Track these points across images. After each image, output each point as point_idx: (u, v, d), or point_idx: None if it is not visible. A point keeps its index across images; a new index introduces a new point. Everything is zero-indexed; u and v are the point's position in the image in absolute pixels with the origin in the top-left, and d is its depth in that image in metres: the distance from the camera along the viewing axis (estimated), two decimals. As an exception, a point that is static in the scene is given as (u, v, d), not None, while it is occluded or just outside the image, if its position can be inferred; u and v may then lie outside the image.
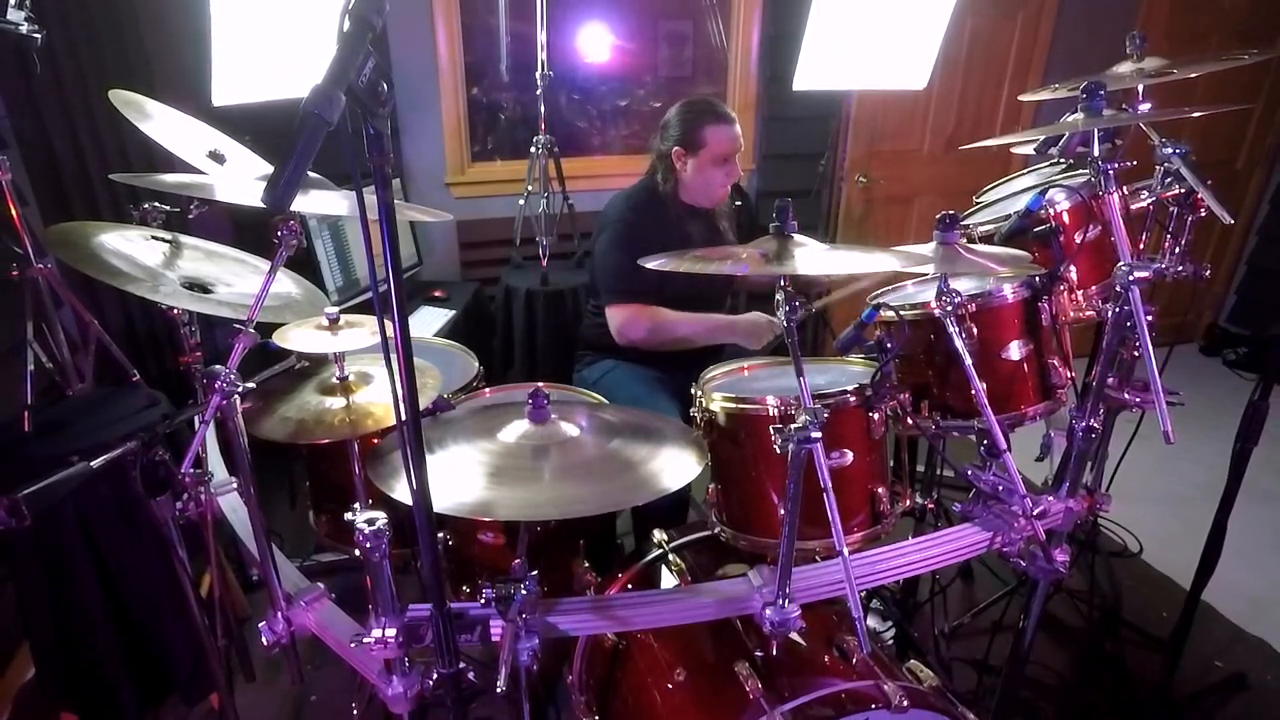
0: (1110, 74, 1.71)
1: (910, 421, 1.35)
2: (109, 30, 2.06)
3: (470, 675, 0.98)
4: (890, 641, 1.88)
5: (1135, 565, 2.40)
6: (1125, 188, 1.57)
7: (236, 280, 1.43)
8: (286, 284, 1.48)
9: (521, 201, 2.82)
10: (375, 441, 1.33)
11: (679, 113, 1.97)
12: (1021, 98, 2.09)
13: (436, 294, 2.82)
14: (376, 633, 0.93)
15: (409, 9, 2.79)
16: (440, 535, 1.41)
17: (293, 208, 0.83)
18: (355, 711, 1.69)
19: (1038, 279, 1.39)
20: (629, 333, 1.95)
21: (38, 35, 1.49)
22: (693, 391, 1.38)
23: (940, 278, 1.29)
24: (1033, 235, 1.49)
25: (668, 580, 1.46)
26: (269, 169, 0.63)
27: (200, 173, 1.39)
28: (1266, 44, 3.51)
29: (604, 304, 2.00)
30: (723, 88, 3.34)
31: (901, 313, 1.42)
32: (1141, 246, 1.62)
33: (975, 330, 1.35)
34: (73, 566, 1.51)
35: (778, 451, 0.98)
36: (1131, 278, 1.12)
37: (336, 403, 1.31)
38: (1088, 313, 1.55)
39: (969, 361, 1.22)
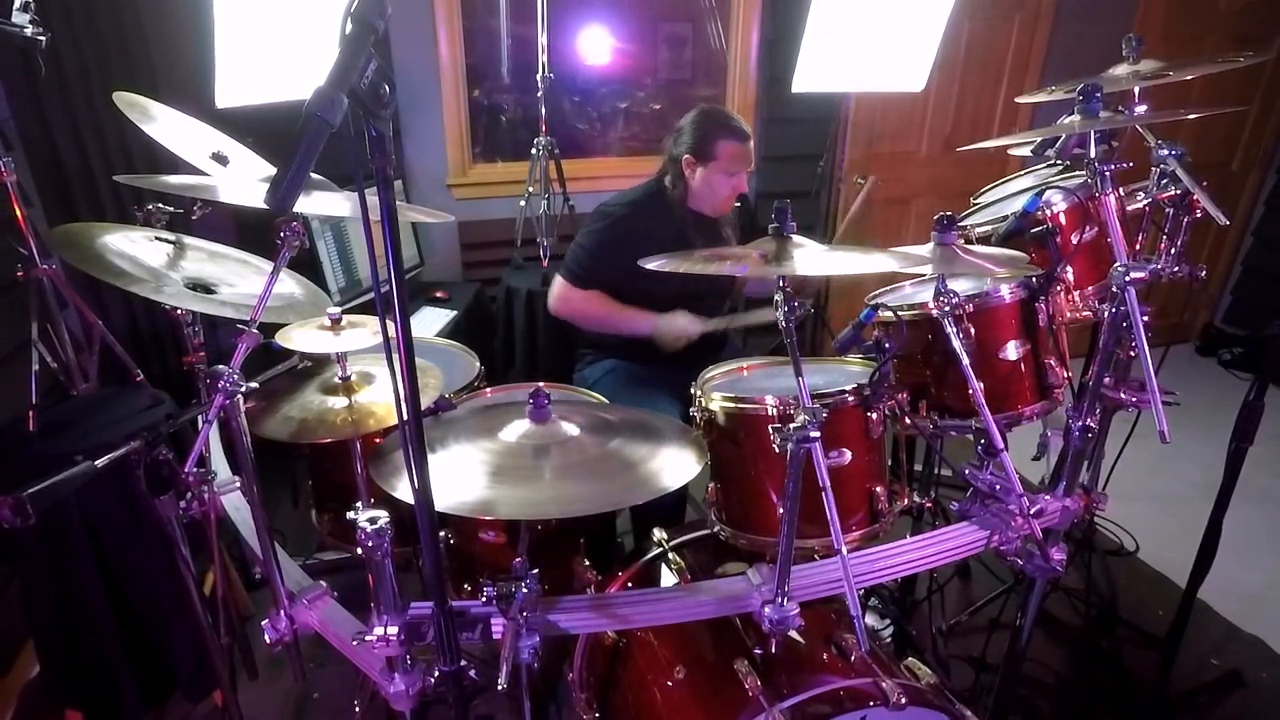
0: (1107, 76, 1.72)
1: (908, 421, 1.36)
2: (113, 32, 2.07)
3: (471, 673, 0.99)
4: (888, 639, 1.88)
5: (1132, 564, 2.41)
6: (1121, 189, 1.58)
7: (239, 281, 1.43)
8: (289, 284, 1.49)
9: (522, 203, 2.83)
10: (377, 441, 1.34)
11: (696, 120, 1.97)
12: (1018, 100, 2.10)
13: (438, 294, 2.83)
14: (379, 630, 0.94)
15: (411, 12, 2.80)
16: (442, 534, 1.42)
17: (295, 209, 0.84)
18: (357, 709, 1.70)
19: (1035, 279, 1.40)
20: (561, 306, 2.04)
21: (42, 38, 1.50)
22: (692, 391, 1.39)
23: (938, 278, 1.30)
24: (1030, 236, 1.49)
25: (667, 578, 1.47)
26: (272, 170, 0.64)
27: (203, 174, 1.40)
28: (1262, 46, 3.52)
29: (556, 273, 2.05)
30: (722, 89, 3.35)
31: (899, 313, 1.43)
32: (1138, 247, 1.63)
33: (973, 330, 1.36)
34: (77, 565, 1.52)
35: (777, 451, 0.99)
36: (1128, 278, 1.13)
37: (339, 402, 1.32)
38: (1084, 313, 1.56)
39: (966, 361, 1.23)
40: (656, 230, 1.96)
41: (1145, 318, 1.13)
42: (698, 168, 1.95)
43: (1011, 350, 1.40)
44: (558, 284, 2.03)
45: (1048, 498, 1.27)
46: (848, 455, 1.25)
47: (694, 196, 2.00)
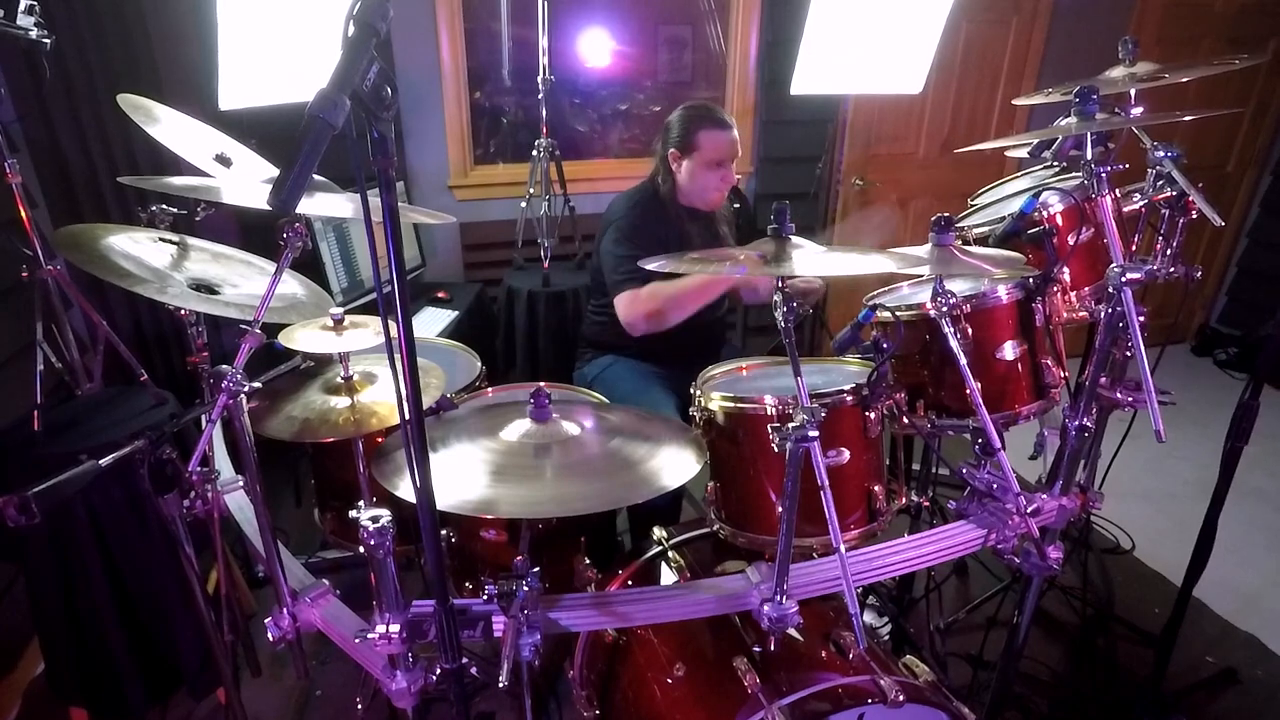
0: (1103, 78, 1.73)
1: (906, 420, 1.37)
2: (117, 35, 2.08)
3: (473, 670, 0.99)
4: (886, 637, 1.90)
5: (1127, 562, 2.42)
6: (1118, 190, 1.58)
7: (243, 281, 1.44)
8: (292, 285, 1.50)
9: (523, 204, 2.84)
10: (379, 440, 1.35)
11: (678, 115, 1.99)
12: (1015, 102, 2.11)
13: (440, 295, 2.84)
14: (381, 628, 0.94)
15: (413, 14, 2.81)
16: (443, 532, 1.43)
17: (298, 210, 0.85)
18: (360, 706, 1.71)
19: (1031, 280, 1.41)
20: (635, 316, 1.86)
21: (47, 40, 1.51)
22: (692, 391, 1.40)
23: (935, 279, 1.31)
24: (1026, 237, 1.50)
25: (667, 576, 1.48)
26: (275, 172, 0.64)
27: (207, 176, 1.41)
28: (1257, 49, 3.53)
29: (611, 297, 1.94)
30: (721, 92, 3.36)
31: (897, 313, 1.43)
32: (1134, 248, 1.64)
33: (970, 331, 1.36)
34: (83, 563, 1.53)
35: (776, 450, 1.00)
36: (1124, 279, 1.13)
37: (341, 402, 1.33)
38: (1081, 313, 1.57)
39: (964, 361, 1.24)
40: (658, 228, 1.98)
41: (1141, 318, 1.14)
42: (682, 160, 1.97)
43: (1008, 350, 1.41)
44: (621, 300, 1.89)
45: (1044, 496, 1.28)
46: (846, 454, 1.26)
47: (683, 191, 2.01)
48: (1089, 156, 1.27)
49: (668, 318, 1.84)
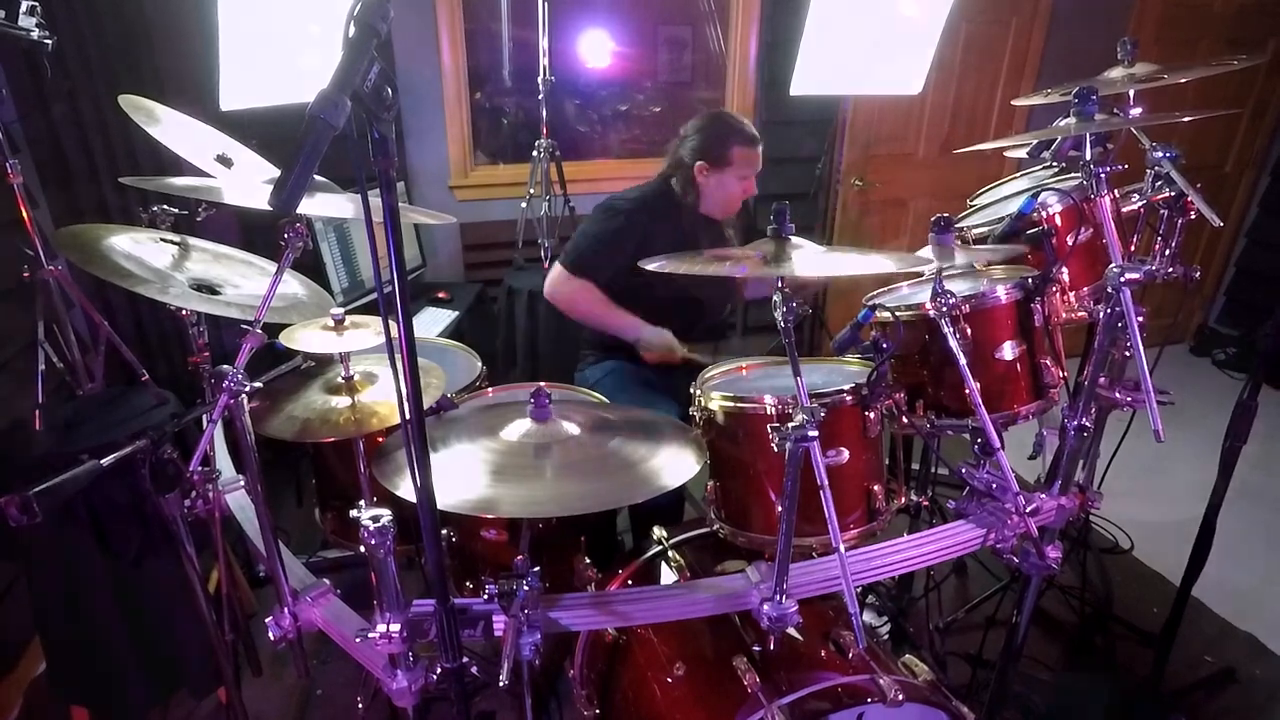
0: (1102, 79, 1.74)
1: (905, 420, 1.37)
2: (119, 36, 2.09)
3: (473, 669, 1.00)
4: (886, 636, 1.90)
5: (1126, 561, 2.42)
6: (1116, 191, 1.59)
7: (244, 282, 1.44)
8: (293, 285, 1.50)
9: (524, 204, 2.85)
10: (380, 440, 1.35)
11: (707, 126, 1.97)
12: (1015, 102, 2.12)
13: (440, 295, 2.85)
14: (381, 628, 0.95)
15: (414, 15, 2.82)
16: (444, 532, 1.43)
17: (299, 210, 0.85)
18: (360, 705, 1.72)
19: (1031, 280, 1.41)
20: (557, 292, 2.01)
21: (49, 41, 1.51)
22: (692, 391, 1.40)
23: (935, 279, 1.31)
24: (1025, 237, 1.51)
25: (667, 576, 1.48)
26: (276, 172, 0.65)
27: (208, 176, 1.41)
28: (1255, 49, 3.54)
29: (557, 261, 2.03)
30: (721, 92, 3.37)
31: (897, 313, 1.44)
32: (1133, 249, 1.64)
33: (969, 331, 1.37)
34: (84, 563, 1.53)
35: (775, 450, 1.00)
36: (1123, 279, 1.13)
37: (342, 402, 1.33)
38: (1080, 313, 1.57)
39: (963, 361, 1.24)
40: (663, 230, 1.97)
41: (1140, 318, 1.14)
42: (712, 174, 1.96)
43: (1008, 350, 1.41)
44: (554, 271, 2.02)
45: (1043, 496, 1.28)
46: (845, 454, 1.26)
47: (705, 201, 2.01)
48: (1088, 157, 1.27)
49: (572, 316, 2.03)
